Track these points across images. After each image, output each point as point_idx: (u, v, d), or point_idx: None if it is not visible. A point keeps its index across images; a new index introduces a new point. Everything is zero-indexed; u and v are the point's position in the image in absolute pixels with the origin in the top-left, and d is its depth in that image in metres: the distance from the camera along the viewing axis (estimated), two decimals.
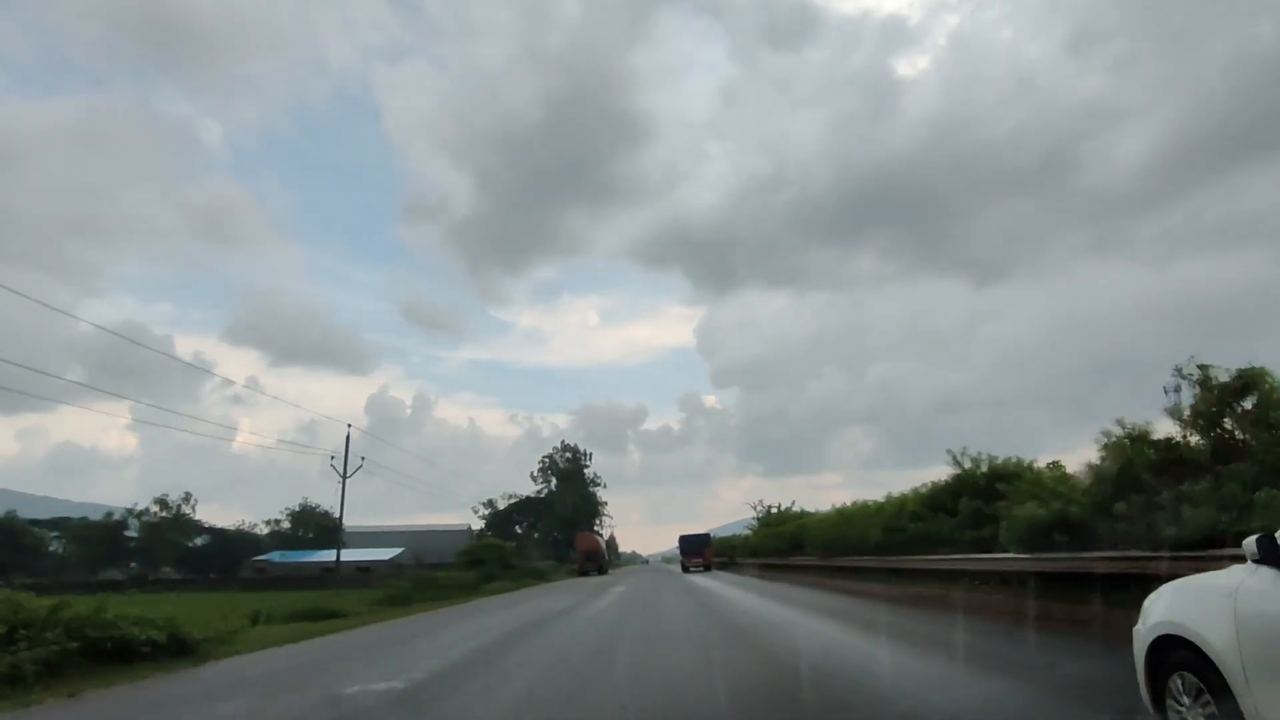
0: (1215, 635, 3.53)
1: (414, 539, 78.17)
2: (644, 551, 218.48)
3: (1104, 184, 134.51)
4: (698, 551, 55.60)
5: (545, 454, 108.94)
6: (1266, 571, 3.44)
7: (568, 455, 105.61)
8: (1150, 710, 4.09)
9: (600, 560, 63.83)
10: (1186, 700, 3.78)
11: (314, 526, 76.17)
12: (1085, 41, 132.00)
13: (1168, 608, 4.02)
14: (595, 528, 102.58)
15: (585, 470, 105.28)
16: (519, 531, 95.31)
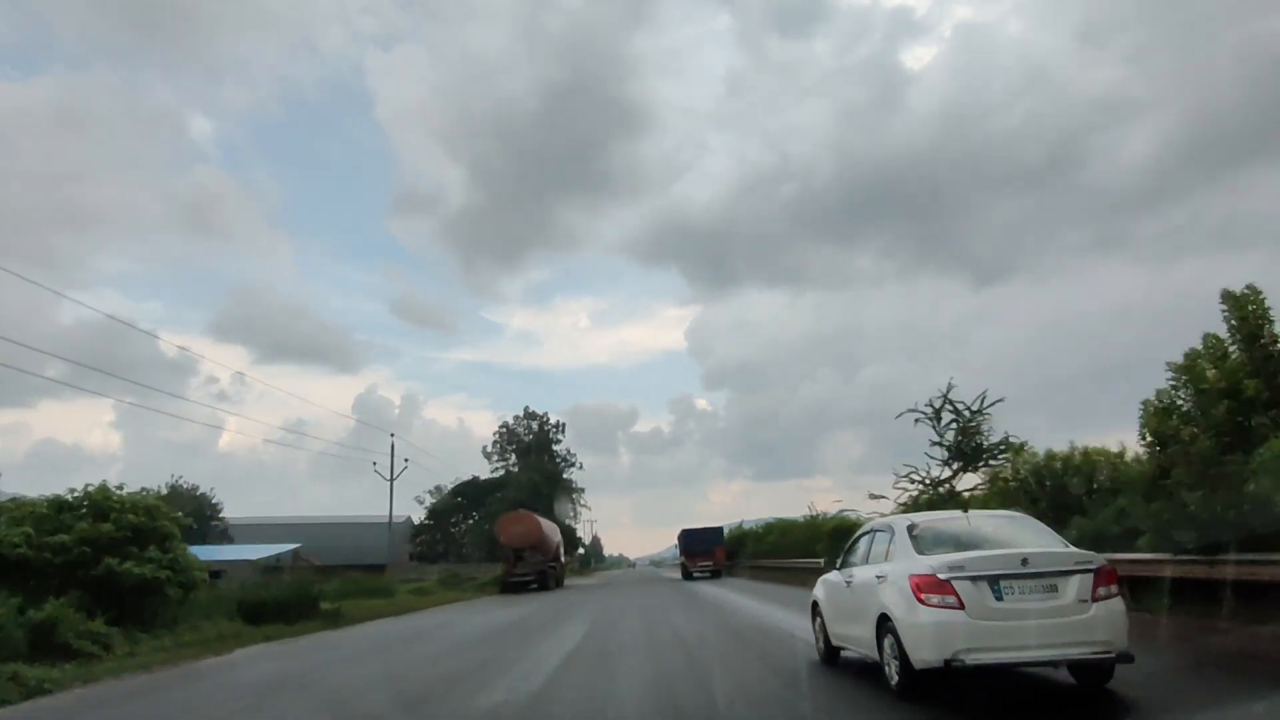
0: (820, 598, 8.56)
1: (319, 533, 60.97)
2: (632, 554, 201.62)
3: (1111, 180, 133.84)
4: (705, 551, 42.73)
5: (503, 422, 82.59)
6: (831, 572, 8.50)
7: (531, 424, 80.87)
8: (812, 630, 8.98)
9: (545, 561, 36.50)
10: (818, 630, 8.67)
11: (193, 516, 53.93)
12: (1098, 32, 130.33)
13: (816, 587, 8.87)
14: (569, 520, 76.70)
15: (555, 445, 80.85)
16: (469, 522, 75.50)
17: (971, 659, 5.59)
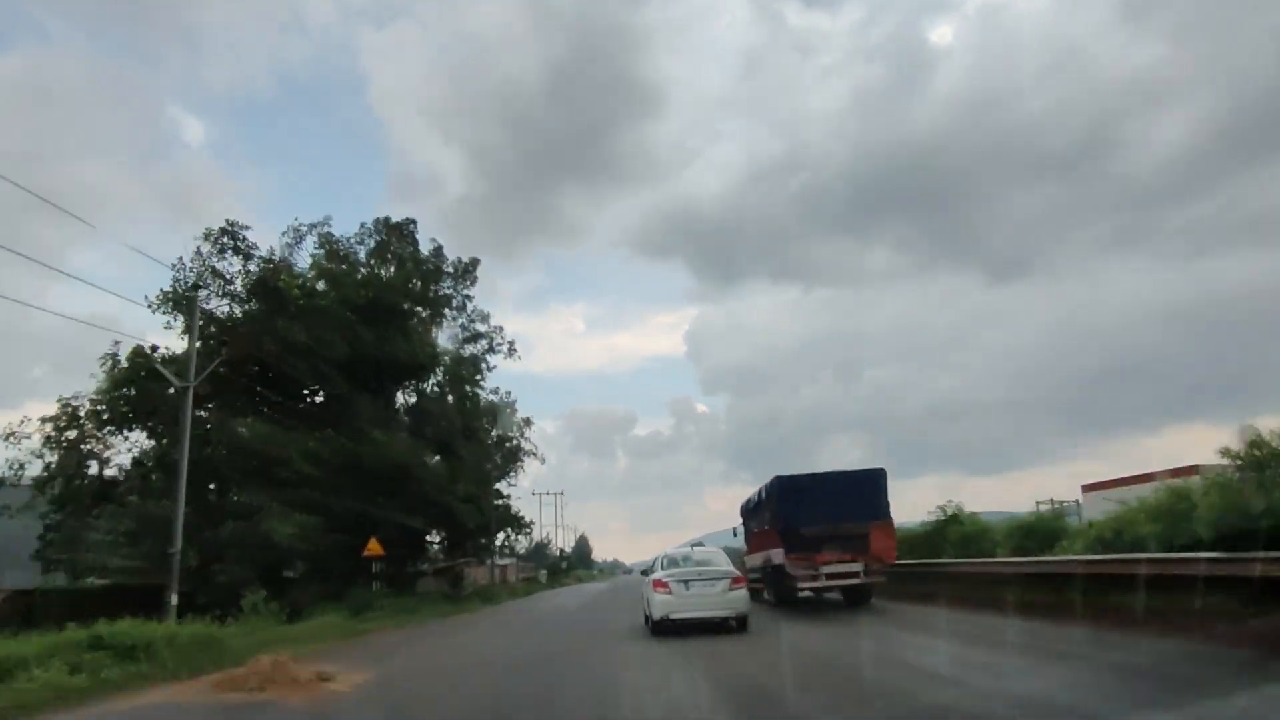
0: (643, 591, 15.30)
1: None
2: (628, 559, 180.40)
3: (1142, 170, 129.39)
4: (846, 534, 16.17)
5: (299, 222, 29.51)
6: (646, 578, 15.99)
7: (390, 241, 31.64)
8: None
9: None
10: (642, 608, 15.47)
11: None
12: (1135, 10, 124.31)
13: (644, 587, 15.65)
14: (500, 486, 38.53)
15: (458, 289, 34.83)
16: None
17: (674, 616, 12.89)
